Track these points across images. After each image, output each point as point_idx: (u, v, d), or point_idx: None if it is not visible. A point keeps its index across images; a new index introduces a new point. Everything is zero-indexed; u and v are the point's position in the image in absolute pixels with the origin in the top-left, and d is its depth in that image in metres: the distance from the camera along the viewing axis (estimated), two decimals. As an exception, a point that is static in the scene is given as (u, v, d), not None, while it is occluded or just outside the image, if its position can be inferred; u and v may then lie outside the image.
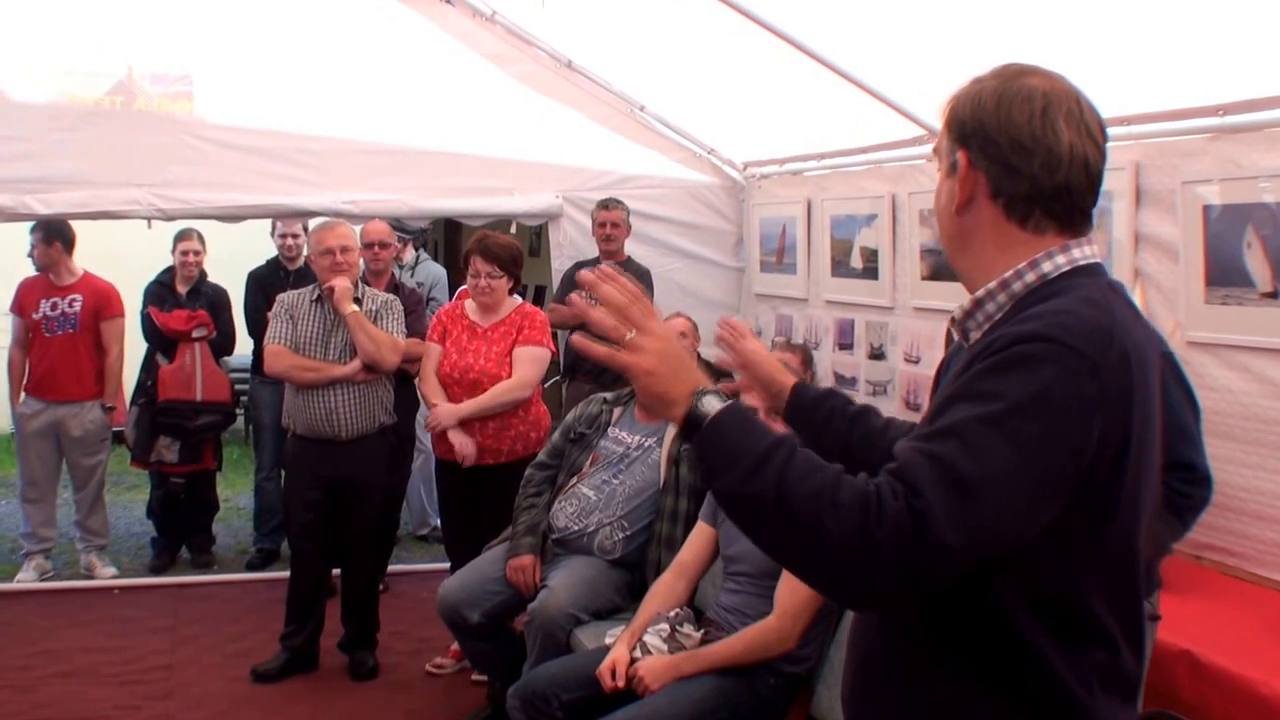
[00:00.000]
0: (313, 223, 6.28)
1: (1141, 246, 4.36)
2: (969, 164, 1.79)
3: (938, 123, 1.92)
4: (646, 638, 3.89)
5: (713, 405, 1.69)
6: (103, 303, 7.03)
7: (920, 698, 1.76)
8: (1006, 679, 1.69)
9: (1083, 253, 1.78)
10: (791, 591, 3.69)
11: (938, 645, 1.73)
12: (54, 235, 6.87)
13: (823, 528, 1.54)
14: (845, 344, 6.44)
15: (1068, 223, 1.79)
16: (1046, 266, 1.76)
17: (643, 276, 6.77)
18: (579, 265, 6.90)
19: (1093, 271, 1.77)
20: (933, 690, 1.75)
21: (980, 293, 1.80)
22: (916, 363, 5.80)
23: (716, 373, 6.39)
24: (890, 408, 5.89)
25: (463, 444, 5.33)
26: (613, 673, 3.82)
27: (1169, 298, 4.23)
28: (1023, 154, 1.75)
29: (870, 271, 6.13)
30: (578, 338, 1.79)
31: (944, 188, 1.86)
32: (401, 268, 7.14)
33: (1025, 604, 1.66)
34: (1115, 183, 4.42)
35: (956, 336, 1.91)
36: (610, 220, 6.74)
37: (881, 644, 1.84)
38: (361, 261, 5.89)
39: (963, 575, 1.58)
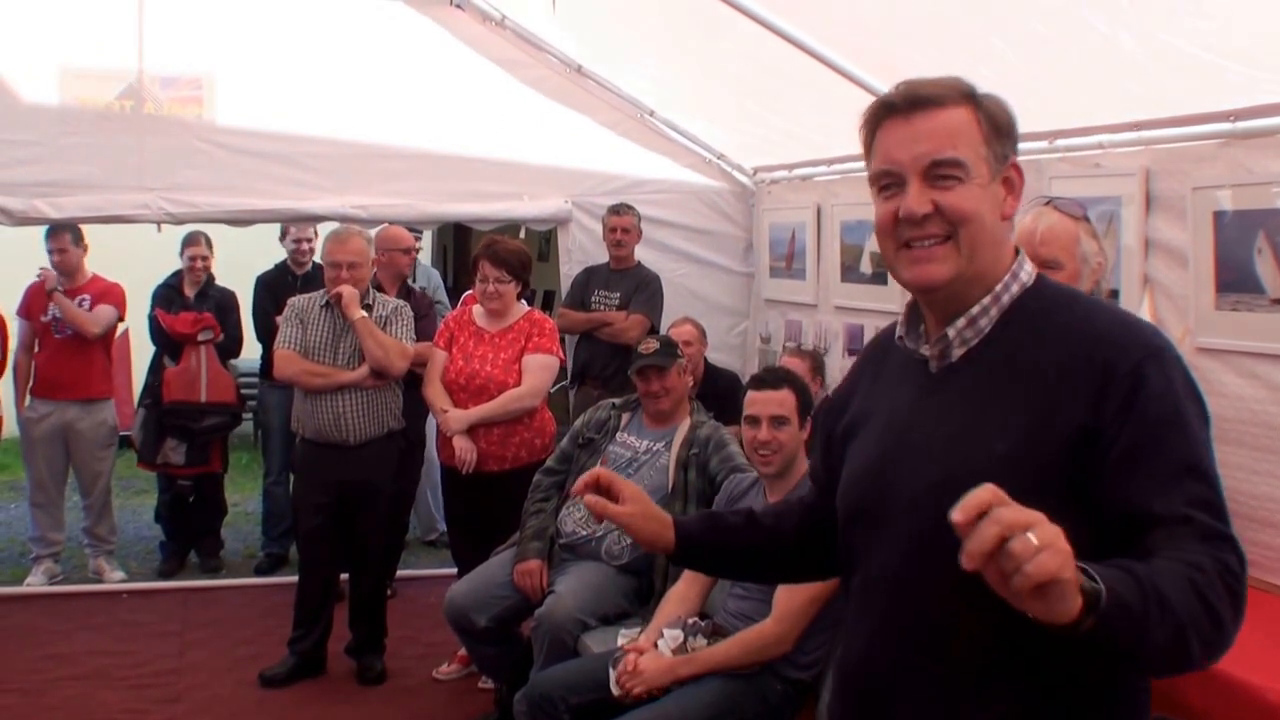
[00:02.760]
0: (327, 228, 6.29)
1: (1151, 252, 4.35)
2: (1018, 170, 1.85)
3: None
4: (659, 642, 3.88)
5: (1086, 582, 1.47)
6: (105, 297, 7.02)
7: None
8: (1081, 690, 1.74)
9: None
10: (789, 594, 3.68)
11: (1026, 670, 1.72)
12: (79, 237, 6.90)
13: (1218, 615, 1.60)
14: (855, 349, 6.42)
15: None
16: (1023, 275, 1.85)
17: (651, 282, 6.78)
18: (589, 270, 6.91)
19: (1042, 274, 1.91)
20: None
21: (976, 309, 1.82)
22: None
23: (721, 375, 6.40)
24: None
25: (464, 450, 5.32)
26: (616, 676, 3.82)
27: (1179, 304, 4.22)
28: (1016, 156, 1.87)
29: (880, 277, 6.12)
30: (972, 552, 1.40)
31: (990, 193, 1.81)
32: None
33: None
34: (1125, 188, 4.41)
35: (932, 360, 1.87)
36: (621, 226, 6.73)
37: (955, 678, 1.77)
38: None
39: None
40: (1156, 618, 1.51)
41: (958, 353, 1.84)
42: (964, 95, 1.83)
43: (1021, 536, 1.38)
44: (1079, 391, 1.70)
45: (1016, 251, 1.88)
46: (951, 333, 1.83)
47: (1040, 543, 1.38)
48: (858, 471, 1.97)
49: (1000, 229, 1.84)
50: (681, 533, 2.18)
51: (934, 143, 1.80)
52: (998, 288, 1.81)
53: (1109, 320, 1.77)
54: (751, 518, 2.26)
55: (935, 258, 1.81)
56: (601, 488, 2.14)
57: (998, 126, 1.82)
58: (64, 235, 6.83)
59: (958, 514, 1.40)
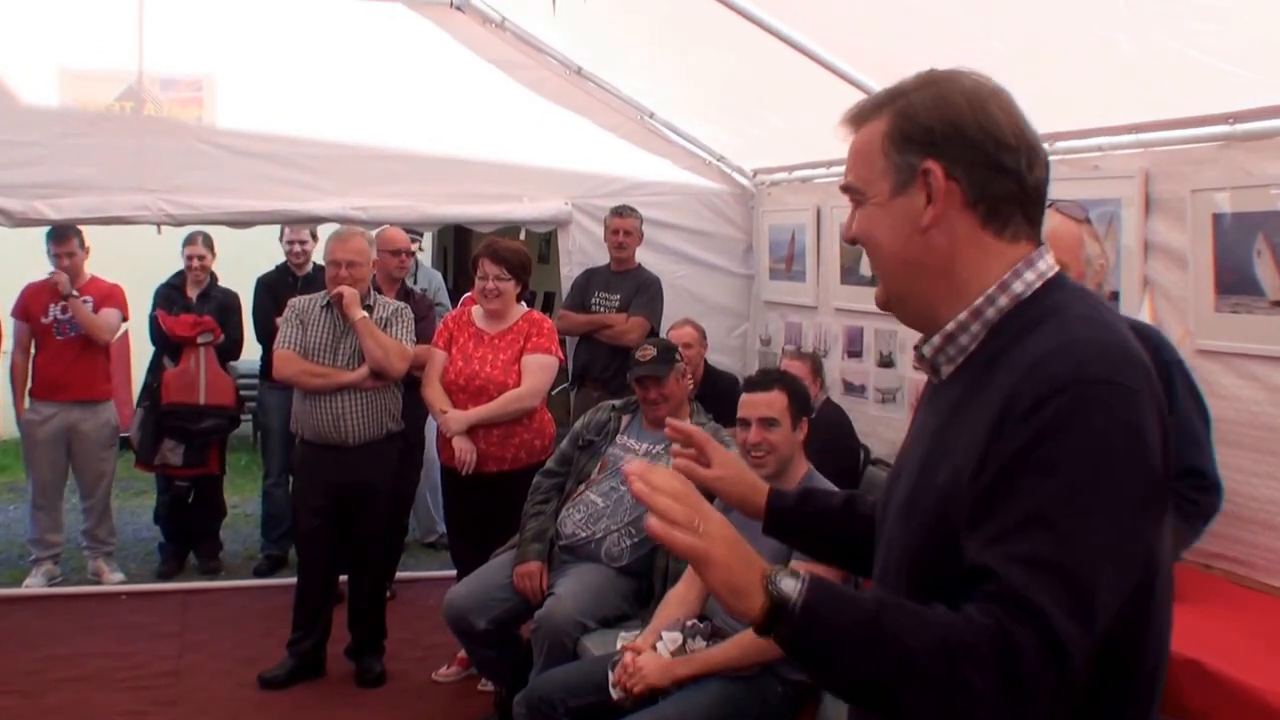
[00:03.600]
0: (326, 229, 6.29)
1: (1151, 255, 4.35)
2: (945, 174, 1.63)
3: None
4: (658, 644, 3.87)
5: (791, 588, 1.49)
6: (108, 299, 7.03)
7: None
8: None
9: (1046, 264, 1.67)
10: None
11: None
12: (83, 241, 6.91)
13: (966, 685, 1.40)
14: (854, 351, 6.43)
15: (1038, 225, 1.69)
16: (1018, 287, 1.64)
17: (652, 284, 6.78)
18: (589, 272, 6.91)
19: (1061, 284, 1.68)
20: None
21: (951, 326, 1.67)
22: (925, 371, 5.78)
23: (721, 377, 6.40)
24: (899, 415, 5.89)
25: (463, 450, 5.32)
26: (617, 680, 3.81)
27: (1178, 306, 4.22)
28: (1010, 152, 1.63)
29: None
30: (653, 523, 1.57)
31: (892, 209, 1.67)
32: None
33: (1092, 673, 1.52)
34: (1125, 190, 4.41)
35: (929, 374, 1.77)
36: (624, 228, 6.74)
37: None
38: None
39: None
40: (854, 654, 1.45)
41: (946, 369, 1.71)
42: (883, 106, 1.70)
43: (689, 518, 1.55)
44: (996, 424, 1.52)
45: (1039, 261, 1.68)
46: (927, 350, 1.72)
47: (706, 531, 1.54)
48: (885, 485, 1.92)
49: (925, 243, 1.66)
50: (774, 503, 2.11)
51: (845, 168, 1.75)
52: (978, 301, 1.64)
53: (1057, 344, 1.54)
54: (850, 503, 2.11)
55: (877, 279, 1.77)
56: (695, 445, 2.10)
57: (908, 133, 1.65)
58: (71, 239, 6.82)
59: (634, 480, 1.61)
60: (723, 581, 1.53)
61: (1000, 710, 1.40)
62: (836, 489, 2.81)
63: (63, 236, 6.79)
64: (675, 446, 2.16)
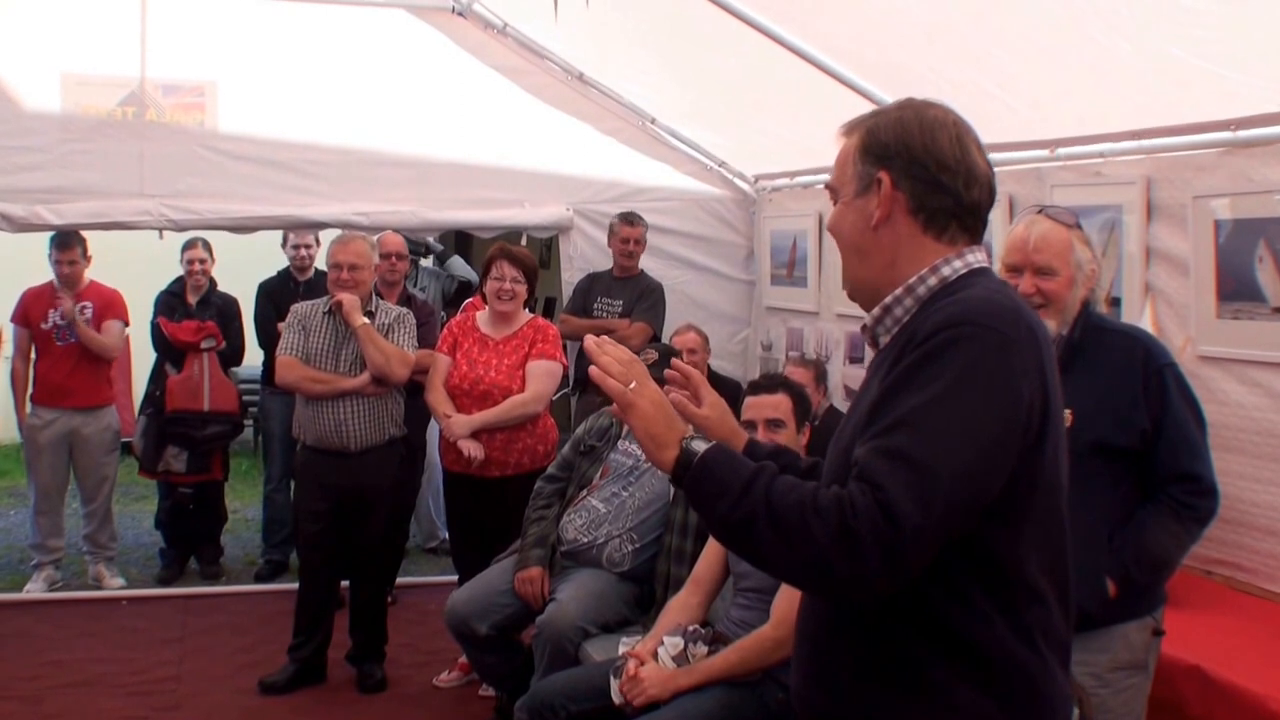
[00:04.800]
0: (328, 235, 6.30)
1: (1153, 261, 4.35)
2: (893, 184, 1.95)
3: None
4: (660, 650, 3.87)
5: (700, 446, 1.91)
6: (109, 308, 7.04)
7: (871, 667, 1.90)
8: (955, 641, 1.84)
9: (976, 257, 1.98)
10: (788, 601, 3.67)
11: (884, 615, 1.85)
12: (86, 249, 6.91)
13: (809, 531, 1.72)
14: (856, 357, 6.44)
15: (975, 234, 2.00)
16: (946, 270, 1.95)
17: (654, 290, 6.79)
18: (592, 277, 6.91)
19: (985, 273, 1.98)
20: (884, 658, 1.88)
21: (889, 299, 1.98)
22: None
23: (723, 383, 6.40)
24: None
25: (470, 447, 5.32)
26: (619, 686, 3.81)
27: (1180, 312, 4.22)
28: (948, 173, 1.95)
29: (881, 285, 6.12)
30: (594, 369, 2.02)
31: (854, 208, 2.01)
32: (405, 278, 7.11)
33: (966, 568, 1.82)
34: (1126, 197, 4.42)
35: (867, 343, 2.08)
36: (634, 237, 6.75)
37: (829, 622, 1.98)
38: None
39: (937, 551, 1.75)
40: (733, 498, 1.81)
41: (884, 339, 2.01)
42: (861, 123, 2.03)
43: (624, 376, 2.00)
44: (894, 361, 1.85)
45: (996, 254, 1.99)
46: (869, 320, 2.03)
47: (635, 389, 1.99)
48: None
49: (874, 238, 1.99)
50: (750, 450, 2.31)
51: (832, 170, 2.09)
52: (911, 280, 1.96)
53: (953, 300, 1.87)
54: (814, 468, 2.31)
55: (842, 267, 2.12)
56: (691, 386, 2.40)
57: (870, 147, 1.98)
58: (75, 248, 6.82)
59: (589, 342, 2.08)
60: (645, 430, 1.97)
61: (835, 559, 1.72)
62: None
63: (66, 244, 6.79)
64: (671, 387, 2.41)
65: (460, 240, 13.97)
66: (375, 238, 6.15)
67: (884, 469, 1.72)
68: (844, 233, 2.05)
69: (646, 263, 6.94)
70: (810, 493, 1.77)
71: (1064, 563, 1.93)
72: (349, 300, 5.40)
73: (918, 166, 1.95)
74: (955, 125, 1.98)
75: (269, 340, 6.78)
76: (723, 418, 2.38)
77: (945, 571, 1.79)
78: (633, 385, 1.99)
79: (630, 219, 6.78)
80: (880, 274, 2.00)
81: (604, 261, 6.95)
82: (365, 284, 5.53)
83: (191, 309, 7.25)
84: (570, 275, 7.21)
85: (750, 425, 3.98)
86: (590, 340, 2.09)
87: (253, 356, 7.53)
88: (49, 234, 6.74)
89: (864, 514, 1.69)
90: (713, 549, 4.22)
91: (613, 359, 2.03)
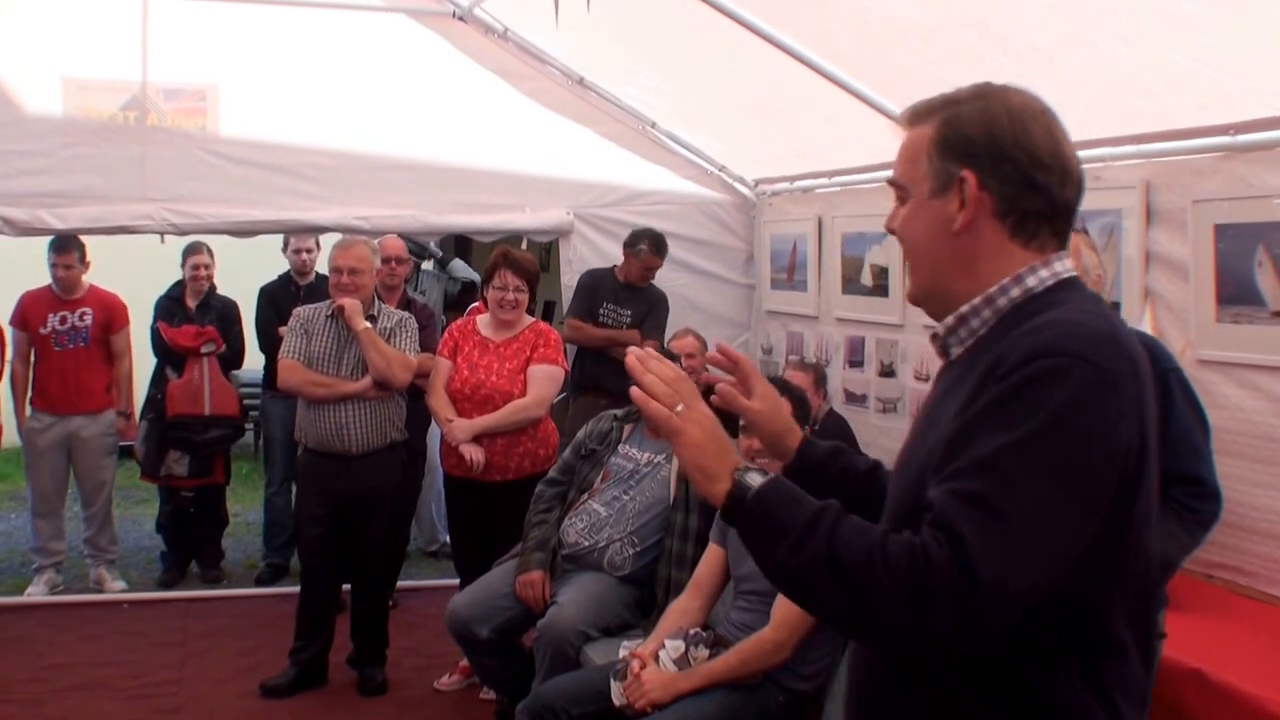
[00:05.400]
0: (329, 239, 6.30)
1: (1152, 265, 4.36)
2: (979, 184, 1.74)
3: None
4: (661, 653, 3.88)
5: (755, 480, 1.69)
6: (112, 315, 7.07)
7: None
8: (1026, 700, 1.65)
9: (1064, 266, 1.77)
10: (788, 605, 3.68)
11: (949, 668, 1.67)
12: (84, 255, 6.92)
13: (876, 584, 1.54)
14: (856, 361, 6.44)
15: (1064, 238, 1.79)
16: (1031, 281, 1.75)
17: (663, 304, 6.82)
18: (595, 277, 6.91)
19: (1074, 285, 1.77)
20: (947, 713, 1.70)
21: (965, 308, 1.78)
22: (927, 380, 5.80)
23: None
24: (900, 425, 5.90)
25: (471, 451, 5.33)
26: (621, 689, 3.82)
27: (1179, 316, 4.23)
28: (1043, 170, 1.73)
29: (881, 289, 6.13)
30: (636, 391, 1.80)
31: (929, 209, 1.79)
32: (405, 282, 7.12)
33: (1043, 621, 1.61)
34: (1126, 201, 4.43)
35: (939, 354, 1.89)
36: (657, 267, 6.82)
37: (887, 674, 1.79)
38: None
39: (1023, 611, 1.55)
40: (792, 542, 1.61)
41: (956, 350, 1.82)
42: (938, 109, 1.81)
43: (670, 398, 1.77)
44: (978, 386, 1.65)
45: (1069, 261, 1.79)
46: (942, 330, 1.83)
47: (684, 414, 1.75)
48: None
49: (953, 245, 1.77)
50: (806, 449, 2.16)
51: (895, 163, 1.86)
52: (992, 290, 1.75)
53: (1047, 322, 1.65)
54: (875, 470, 2.16)
55: (909, 273, 1.90)
56: (740, 373, 2.13)
57: (951, 141, 1.76)
58: (72, 252, 6.84)
59: (631, 358, 1.83)
60: (694, 461, 1.75)
61: (905, 614, 1.53)
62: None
63: (64, 248, 6.80)
64: (719, 371, 2.21)
65: (460, 244, 14.00)
66: (376, 242, 6.16)
67: (962, 517, 1.53)
68: (916, 237, 1.83)
69: (645, 266, 6.95)
70: (879, 539, 1.57)
71: (1147, 608, 1.78)
72: (351, 305, 5.41)
73: (1008, 164, 1.73)
74: (1045, 114, 1.78)
75: (270, 344, 6.79)
76: (775, 412, 2.14)
77: (1020, 624, 1.58)
78: (680, 408, 1.76)
79: (660, 250, 6.79)
80: (957, 282, 1.79)
81: (604, 263, 6.96)
82: (367, 288, 5.53)
83: (191, 313, 7.26)
84: (570, 279, 7.20)
85: (748, 430, 3.98)
86: (634, 355, 1.84)
87: (253, 360, 7.55)
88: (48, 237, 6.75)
89: (939, 568, 1.51)
90: (713, 553, 4.23)
91: (658, 378, 1.79)
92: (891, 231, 1.88)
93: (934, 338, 1.87)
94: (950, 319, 1.81)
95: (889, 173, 1.88)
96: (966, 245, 1.77)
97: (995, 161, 1.73)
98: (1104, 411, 1.57)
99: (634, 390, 1.80)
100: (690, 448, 1.74)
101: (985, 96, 1.78)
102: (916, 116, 1.82)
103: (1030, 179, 1.73)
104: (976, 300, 1.77)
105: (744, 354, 2.05)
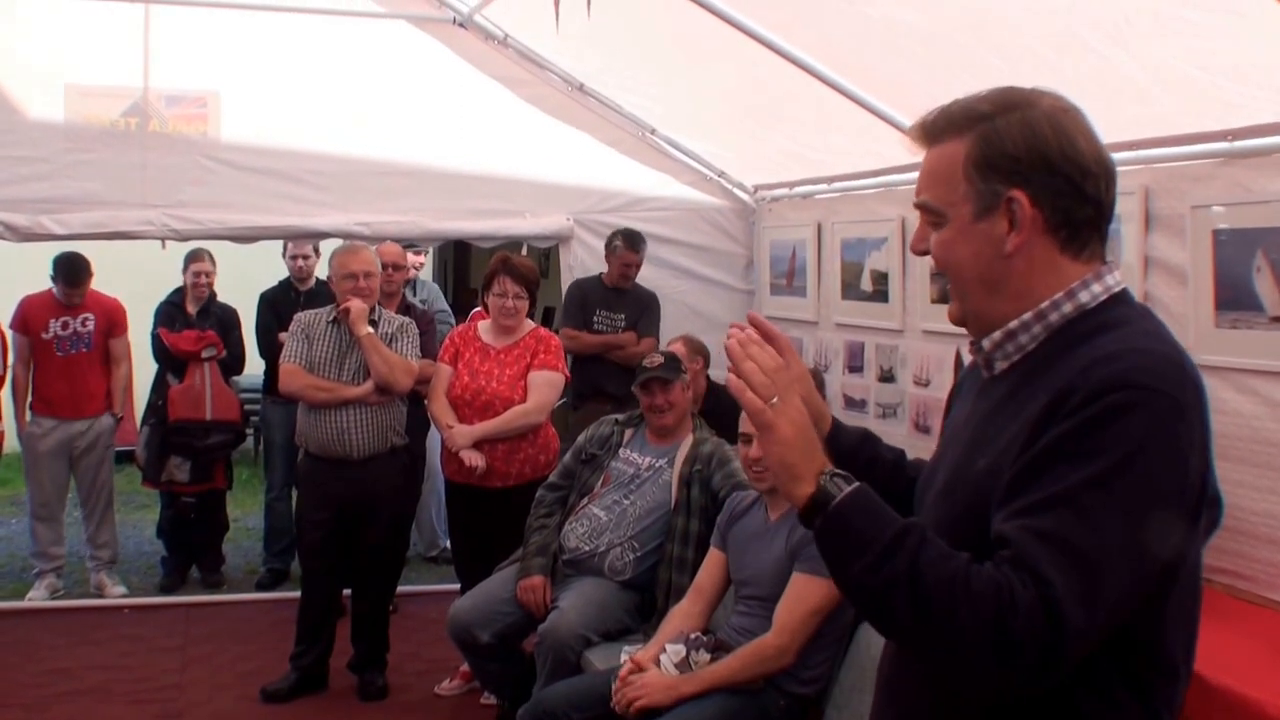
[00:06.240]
0: (328, 245, 6.31)
1: (1151, 270, 4.37)
2: (1032, 202, 1.67)
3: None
4: (662, 657, 3.89)
5: (840, 488, 1.64)
6: (113, 320, 7.10)
7: None
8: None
9: (1114, 279, 1.73)
10: (789, 609, 3.70)
11: (998, 702, 1.63)
12: (88, 275, 6.96)
13: (958, 617, 1.50)
14: (855, 366, 6.45)
15: (1106, 239, 1.75)
16: (1084, 297, 1.70)
17: (654, 303, 6.81)
18: (581, 287, 6.91)
19: (1126, 299, 1.73)
20: None
21: (1014, 324, 1.72)
22: (926, 385, 5.80)
23: (723, 392, 6.41)
24: (900, 430, 5.90)
25: (471, 456, 5.34)
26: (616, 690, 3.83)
27: (1178, 322, 4.23)
28: (1092, 180, 1.69)
29: (880, 294, 6.14)
30: (732, 378, 1.74)
31: (974, 233, 1.71)
32: (406, 284, 7.14)
33: (1104, 652, 1.59)
34: (1124, 206, 4.43)
35: (982, 368, 1.83)
36: (635, 262, 6.77)
37: (934, 701, 1.74)
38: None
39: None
40: (873, 559, 1.56)
41: (1000, 365, 1.77)
42: (965, 125, 1.72)
43: (767, 389, 1.70)
44: (1045, 415, 1.59)
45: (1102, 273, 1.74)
46: (987, 344, 1.77)
47: (778, 408, 1.69)
48: (923, 470, 1.99)
49: (1006, 267, 1.70)
50: (836, 434, 2.11)
51: (920, 184, 1.79)
52: (1044, 305, 1.70)
53: (1118, 349, 1.60)
54: (900, 462, 2.13)
55: (952, 296, 1.82)
56: (777, 349, 1.92)
57: (994, 160, 1.68)
58: (80, 282, 6.91)
59: (733, 338, 1.77)
60: (780, 458, 1.69)
61: (985, 654, 1.49)
62: None
63: (76, 280, 6.86)
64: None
65: (460, 250, 14.03)
66: (374, 248, 6.18)
67: (1046, 559, 1.48)
68: (963, 263, 1.74)
69: (646, 272, 6.93)
70: (963, 570, 1.53)
71: (1195, 632, 1.73)
72: (358, 307, 5.42)
73: (1059, 178, 1.67)
74: (1077, 114, 1.72)
75: (270, 350, 6.81)
76: (808, 395, 2.01)
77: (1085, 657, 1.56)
78: (775, 401, 1.70)
79: (634, 244, 6.75)
80: (1011, 305, 1.72)
81: (602, 269, 6.98)
82: (375, 292, 5.56)
83: (191, 319, 7.28)
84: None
85: (746, 439, 4.01)
86: (735, 340, 1.77)
87: (254, 365, 7.56)
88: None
89: (1025, 612, 1.47)
90: (714, 557, 4.24)
91: (757, 366, 1.72)
92: (921, 253, 1.81)
93: (976, 349, 1.81)
94: (998, 334, 1.75)
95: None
96: (1019, 266, 1.71)
97: (1045, 178, 1.68)
98: (1176, 444, 1.55)
99: (730, 377, 1.74)
100: (780, 444, 1.69)
101: (1019, 106, 1.70)
102: (937, 131, 1.75)
103: (1080, 190, 1.69)
104: (1027, 316, 1.71)
105: (780, 331, 1.92)
